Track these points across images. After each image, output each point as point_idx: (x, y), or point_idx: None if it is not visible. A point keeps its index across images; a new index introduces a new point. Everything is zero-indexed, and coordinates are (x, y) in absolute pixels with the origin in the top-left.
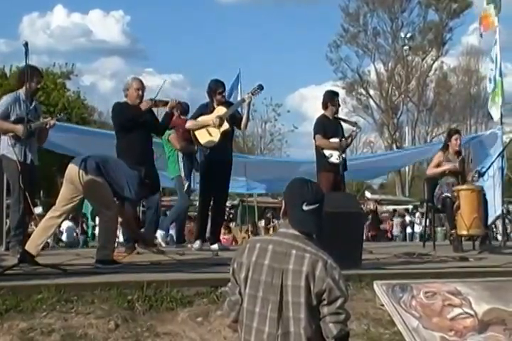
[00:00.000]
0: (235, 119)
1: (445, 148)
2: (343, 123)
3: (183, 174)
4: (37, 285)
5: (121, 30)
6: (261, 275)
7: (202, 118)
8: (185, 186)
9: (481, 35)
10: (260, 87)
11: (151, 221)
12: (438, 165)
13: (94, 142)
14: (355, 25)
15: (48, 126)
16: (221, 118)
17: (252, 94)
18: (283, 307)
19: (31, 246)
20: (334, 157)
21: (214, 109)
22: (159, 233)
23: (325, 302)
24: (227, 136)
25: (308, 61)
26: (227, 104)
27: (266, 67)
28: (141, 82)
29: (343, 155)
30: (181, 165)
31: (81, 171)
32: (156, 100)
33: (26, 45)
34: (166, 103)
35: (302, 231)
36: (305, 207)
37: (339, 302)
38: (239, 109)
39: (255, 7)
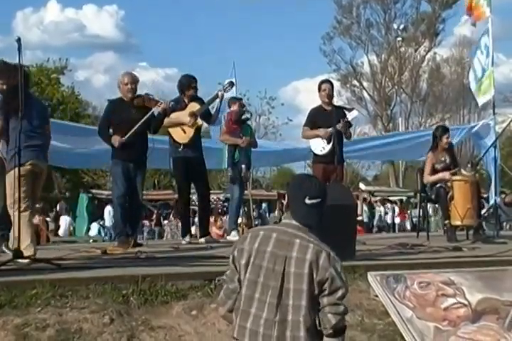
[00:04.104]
0: (205, 115)
1: (435, 147)
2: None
3: (226, 165)
4: (31, 281)
5: (115, 25)
6: (263, 261)
7: (176, 115)
8: (229, 177)
9: (474, 25)
10: (231, 84)
11: (137, 219)
12: (433, 168)
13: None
14: (348, 17)
15: None
16: (196, 115)
17: (224, 91)
18: (283, 294)
19: (24, 247)
20: (318, 149)
21: (186, 105)
22: (232, 234)
23: (326, 292)
24: (199, 132)
25: (302, 53)
26: (199, 100)
27: (260, 60)
28: (131, 76)
29: (330, 146)
30: (225, 156)
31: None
32: (147, 97)
33: (19, 40)
34: (157, 102)
35: (303, 223)
36: (308, 201)
37: (340, 293)
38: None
39: (249, 0)
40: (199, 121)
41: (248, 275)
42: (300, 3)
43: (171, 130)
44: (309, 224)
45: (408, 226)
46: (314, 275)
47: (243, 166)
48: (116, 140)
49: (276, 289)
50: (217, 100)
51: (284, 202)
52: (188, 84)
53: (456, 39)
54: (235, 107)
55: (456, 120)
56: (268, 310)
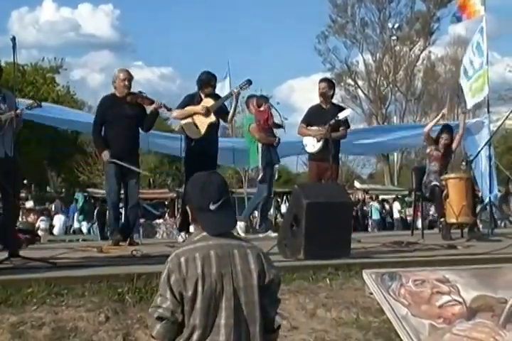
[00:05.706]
0: (221, 112)
1: (435, 143)
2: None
3: (260, 164)
4: (27, 279)
5: (110, 24)
6: (211, 285)
7: (189, 108)
8: (260, 176)
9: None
10: (249, 82)
11: (133, 219)
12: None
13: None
14: (343, 16)
15: (17, 115)
16: (208, 110)
17: (241, 89)
18: (238, 311)
19: None
20: (309, 146)
21: (201, 100)
22: (239, 224)
23: (269, 291)
24: (213, 129)
25: (297, 52)
26: (215, 96)
27: (254, 59)
28: (127, 72)
29: (320, 143)
30: (259, 155)
31: None
32: (142, 96)
33: (14, 39)
34: (151, 102)
35: (218, 234)
36: (212, 207)
37: (279, 288)
38: (226, 102)
39: (245, 0)
40: (212, 117)
41: (200, 304)
42: (295, 2)
43: (184, 126)
44: (225, 231)
45: (419, 224)
46: (261, 281)
47: (276, 166)
48: (105, 155)
49: (231, 309)
50: (233, 97)
51: (190, 216)
52: (207, 81)
53: (450, 38)
54: (265, 106)
55: (450, 118)
56: (225, 332)
